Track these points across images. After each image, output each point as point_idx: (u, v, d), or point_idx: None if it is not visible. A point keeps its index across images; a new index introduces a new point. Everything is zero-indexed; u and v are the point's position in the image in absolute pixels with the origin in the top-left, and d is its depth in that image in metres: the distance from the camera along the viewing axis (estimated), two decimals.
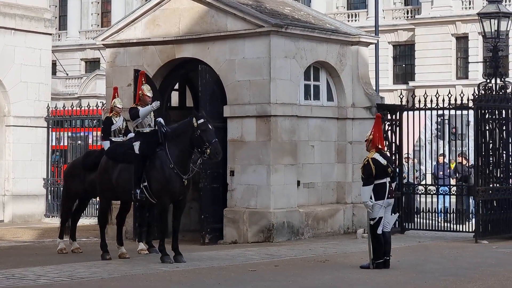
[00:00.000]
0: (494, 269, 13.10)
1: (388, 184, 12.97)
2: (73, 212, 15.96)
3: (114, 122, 15.43)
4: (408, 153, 20.64)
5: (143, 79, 14.60)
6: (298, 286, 11.04)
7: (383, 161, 12.98)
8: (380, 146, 13.10)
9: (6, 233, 20.02)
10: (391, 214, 13.27)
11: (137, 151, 13.90)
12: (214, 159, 13.84)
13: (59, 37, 57.14)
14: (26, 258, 14.80)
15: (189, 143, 13.57)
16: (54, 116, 23.61)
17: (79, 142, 23.63)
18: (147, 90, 14.38)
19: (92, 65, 56.45)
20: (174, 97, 20.14)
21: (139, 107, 14.11)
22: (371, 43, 20.28)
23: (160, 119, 14.09)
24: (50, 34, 24.57)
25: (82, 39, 57.55)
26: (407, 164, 20.87)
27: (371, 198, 12.82)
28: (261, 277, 11.95)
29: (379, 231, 12.85)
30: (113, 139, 15.33)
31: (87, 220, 21.54)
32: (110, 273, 12.33)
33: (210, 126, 13.56)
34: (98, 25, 58.00)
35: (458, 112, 19.09)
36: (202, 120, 13.52)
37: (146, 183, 13.74)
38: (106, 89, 19.89)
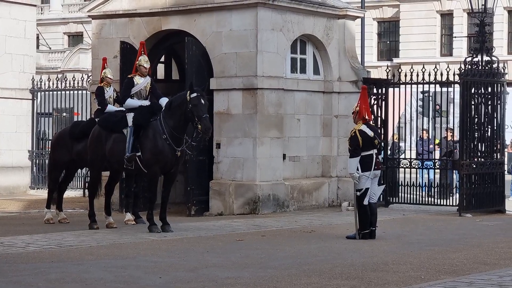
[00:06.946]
0: (478, 240, 13.25)
1: (374, 156, 13.06)
2: (60, 182, 15.99)
3: (106, 91, 15.37)
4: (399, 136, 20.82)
5: (142, 50, 14.59)
6: (285, 255, 11.13)
7: (370, 133, 13.05)
8: (367, 118, 13.18)
9: None
10: (377, 186, 13.38)
11: (130, 123, 13.89)
12: (204, 136, 13.70)
13: (41, 10, 56.59)
14: (13, 227, 14.84)
15: (183, 116, 13.49)
16: (39, 88, 23.50)
17: (64, 114, 23.56)
18: (144, 61, 14.38)
19: (75, 39, 56.05)
20: (160, 70, 20.11)
21: (132, 95, 14.21)
22: (358, 17, 20.32)
23: (164, 99, 14.08)
24: (35, 6, 24.46)
25: (65, 13, 57.05)
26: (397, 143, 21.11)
27: (357, 169, 12.91)
28: (249, 246, 12.03)
29: (366, 202, 12.96)
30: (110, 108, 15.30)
31: (72, 192, 21.53)
32: (99, 242, 12.39)
33: (202, 101, 13.36)
34: None
35: (443, 89, 19.17)
36: (194, 94, 13.35)
37: (139, 153, 13.74)
38: (92, 61, 19.84)
